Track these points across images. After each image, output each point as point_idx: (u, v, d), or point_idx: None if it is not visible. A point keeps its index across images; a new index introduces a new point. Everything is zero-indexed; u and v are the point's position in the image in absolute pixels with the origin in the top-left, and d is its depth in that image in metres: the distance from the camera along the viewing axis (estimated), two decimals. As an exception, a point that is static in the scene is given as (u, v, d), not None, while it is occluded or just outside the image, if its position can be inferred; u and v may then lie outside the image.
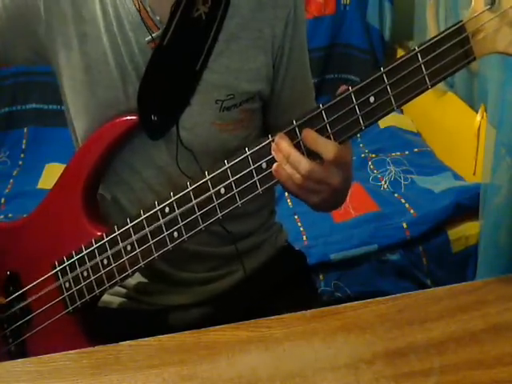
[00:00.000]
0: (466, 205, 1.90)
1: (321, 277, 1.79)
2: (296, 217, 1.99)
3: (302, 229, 1.93)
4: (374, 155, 2.30)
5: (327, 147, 0.84)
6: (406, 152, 2.30)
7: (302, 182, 0.86)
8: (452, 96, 2.23)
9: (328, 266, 1.80)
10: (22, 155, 2.49)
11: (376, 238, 1.84)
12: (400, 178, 2.13)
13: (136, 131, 1.00)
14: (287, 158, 0.85)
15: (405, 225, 1.85)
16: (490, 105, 1.85)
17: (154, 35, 0.97)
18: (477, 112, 1.98)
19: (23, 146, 2.52)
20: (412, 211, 1.93)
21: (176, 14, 0.96)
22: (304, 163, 0.85)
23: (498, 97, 1.74)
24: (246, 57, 1.00)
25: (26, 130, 2.56)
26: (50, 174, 2.27)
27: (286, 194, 2.09)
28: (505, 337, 0.84)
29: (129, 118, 0.99)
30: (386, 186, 2.11)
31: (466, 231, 1.89)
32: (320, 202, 0.89)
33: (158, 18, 0.98)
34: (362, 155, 2.30)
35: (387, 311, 0.90)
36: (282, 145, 0.86)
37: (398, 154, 2.28)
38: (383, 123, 2.44)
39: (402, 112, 2.61)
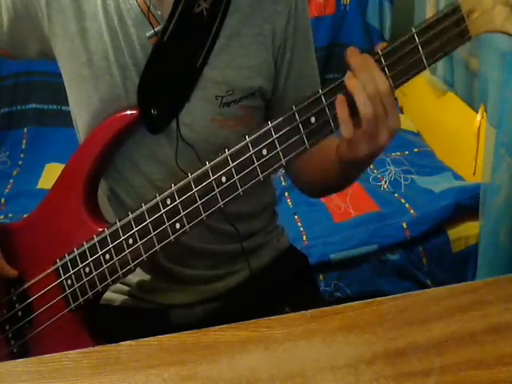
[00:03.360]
0: (466, 205, 1.90)
1: (321, 277, 1.79)
2: (296, 217, 1.99)
3: (301, 229, 1.93)
4: (374, 155, 2.30)
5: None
6: (406, 152, 2.30)
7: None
8: (452, 96, 2.23)
9: (328, 265, 1.80)
10: (22, 155, 2.50)
11: (376, 238, 1.84)
12: (400, 177, 2.14)
13: (137, 126, 1.00)
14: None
15: (405, 225, 1.85)
16: (490, 105, 1.85)
17: (155, 30, 0.97)
18: (477, 112, 1.99)
19: (23, 146, 2.53)
20: (412, 211, 1.94)
21: (177, 9, 0.96)
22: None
23: (497, 97, 1.74)
24: (247, 53, 1.00)
25: (25, 130, 2.56)
26: (50, 174, 2.27)
27: (286, 193, 2.10)
28: (505, 337, 0.84)
29: (129, 112, 0.99)
30: (386, 186, 2.12)
31: (466, 231, 1.89)
32: (387, 143, 0.86)
33: (160, 13, 0.98)
34: (362, 155, 2.30)
35: (387, 311, 0.90)
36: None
37: (398, 154, 2.28)
38: (383, 123, 2.44)
39: (401, 112, 2.61)
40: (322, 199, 2.06)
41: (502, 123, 1.68)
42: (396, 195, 2.05)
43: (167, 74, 0.99)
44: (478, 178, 1.96)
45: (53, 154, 2.36)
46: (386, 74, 0.83)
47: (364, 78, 0.83)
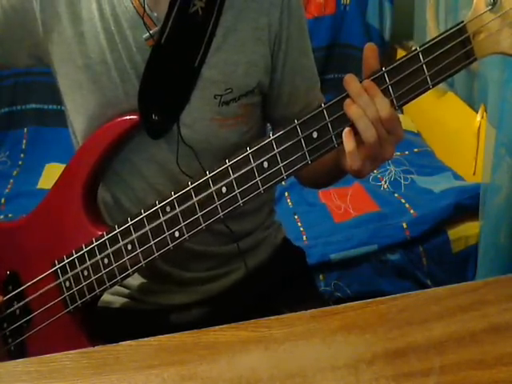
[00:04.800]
0: (466, 205, 1.90)
1: (321, 277, 1.79)
2: (296, 217, 1.99)
3: (301, 229, 1.93)
4: (374, 155, 2.29)
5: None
6: (406, 152, 2.30)
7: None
8: (452, 96, 2.23)
9: (328, 265, 1.80)
10: (22, 155, 2.49)
11: (376, 238, 1.84)
12: (400, 178, 2.14)
13: (137, 130, 1.00)
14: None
15: (405, 225, 1.85)
16: (490, 105, 1.85)
17: (151, 32, 0.96)
18: (477, 112, 1.99)
19: (23, 146, 2.52)
20: (412, 211, 1.93)
21: (173, 10, 0.96)
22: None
23: (497, 97, 1.74)
24: (244, 49, 1.00)
25: (25, 130, 2.56)
26: (50, 174, 2.27)
27: (286, 193, 2.10)
28: (505, 337, 0.84)
29: (129, 117, 0.99)
30: (386, 186, 2.11)
31: (466, 231, 1.89)
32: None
33: (156, 14, 0.98)
34: (362, 155, 2.29)
35: (387, 311, 0.90)
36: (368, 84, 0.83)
37: (398, 154, 2.28)
38: (383, 123, 2.44)
39: (402, 112, 2.61)
40: (322, 199, 2.06)
41: (502, 123, 1.68)
42: (396, 195, 2.05)
43: (166, 76, 0.98)
44: (478, 178, 1.96)
45: (53, 154, 2.36)
46: (389, 92, 0.82)
47: (363, 102, 0.82)
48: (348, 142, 0.84)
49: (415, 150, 2.32)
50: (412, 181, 2.12)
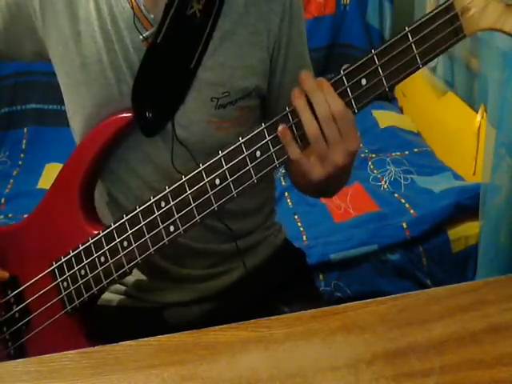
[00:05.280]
0: (466, 205, 1.90)
1: (321, 277, 1.79)
2: (296, 217, 1.99)
3: (301, 229, 1.93)
4: (373, 155, 2.30)
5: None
6: (406, 152, 2.30)
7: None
8: (452, 96, 2.23)
9: (328, 265, 1.80)
10: (22, 155, 2.50)
11: (376, 238, 1.84)
12: (400, 177, 2.14)
13: (132, 129, 1.00)
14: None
15: (405, 225, 1.85)
16: (490, 105, 1.85)
17: (147, 33, 0.97)
18: (477, 112, 1.99)
19: (23, 146, 2.53)
20: (412, 211, 1.93)
21: (169, 12, 0.96)
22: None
23: (497, 97, 1.74)
24: (241, 53, 1.00)
25: (26, 130, 2.56)
26: (50, 174, 2.27)
27: (286, 193, 2.10)
28: (505, 337, 0.84)
29: (123, 115, 0.99)
30: (386, 186, 2.11)
31: (466, 231, 1.89)
32: (344, 163, 0.86)
33: (153, 16, 0.98)
34: (362, 155, 2.30)
35: (387, 311, 0.90)
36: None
37: (398, 154, 2.28)
38: (383, 123, 2.44)
39: (401, 112, 2.61)
40: (322, 199, 2.06)
41: (502, 123, 1.68)
42: (396, 195, 2.05)
43: (161, 76, 0.98)
44: (478, 178, 1.96)
45: (53, 154, 2.36)
46: (380, 74, 0.83)
47: (316, 99, 0.84)
48: (283, 135, 0.86)
49: (415, 149, 2.32)
50: (412, 181, 2.12)
